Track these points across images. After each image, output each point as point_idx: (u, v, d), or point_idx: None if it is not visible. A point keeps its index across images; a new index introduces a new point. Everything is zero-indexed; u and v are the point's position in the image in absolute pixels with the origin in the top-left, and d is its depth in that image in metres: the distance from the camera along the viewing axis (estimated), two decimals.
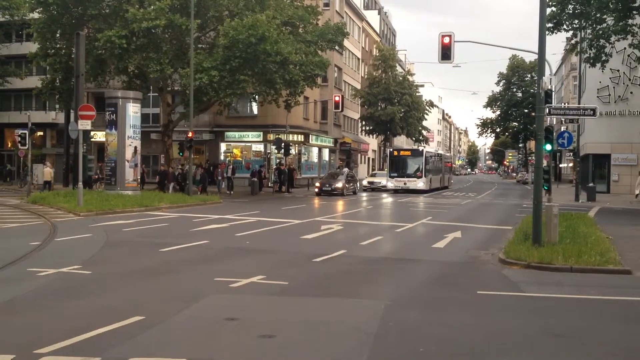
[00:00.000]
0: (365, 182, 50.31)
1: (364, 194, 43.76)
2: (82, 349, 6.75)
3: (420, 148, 50.94)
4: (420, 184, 44.66)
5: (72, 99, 32.57)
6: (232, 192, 38.01)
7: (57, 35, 36.42)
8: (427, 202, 35.46)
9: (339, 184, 39.80)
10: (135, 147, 29.87)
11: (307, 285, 11.03)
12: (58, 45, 36.54)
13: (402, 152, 48.27)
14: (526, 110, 78.68)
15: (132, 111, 29.81)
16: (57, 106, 45.37)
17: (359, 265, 13.13)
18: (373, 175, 54.37)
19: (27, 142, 34.23)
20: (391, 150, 49.73)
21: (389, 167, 46.62)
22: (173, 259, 13.30)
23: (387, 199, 38.23)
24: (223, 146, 50.31)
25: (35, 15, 37.49)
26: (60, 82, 37.08)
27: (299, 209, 27.61)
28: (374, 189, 48.35)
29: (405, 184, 44.57)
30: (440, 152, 63.85)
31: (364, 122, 70.84)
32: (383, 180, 48.38)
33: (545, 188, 16.45)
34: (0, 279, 10.79)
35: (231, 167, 41.62)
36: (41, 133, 53.02)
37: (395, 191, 44.70)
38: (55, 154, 52.02)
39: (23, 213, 23.32)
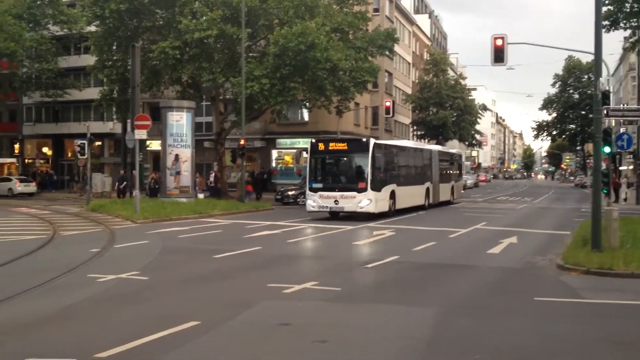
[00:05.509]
0: None
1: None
2: (140, 353, 6.91)
3: (365, 138, 27.23)
4: (364, 201, 24.66)
5: (128, 109, 33.43)
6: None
7: (114, 47, 37.43)
8: (479, 208, 34.88)
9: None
10: (177, 155, 30.08)
11: (359, 291, 11.00)
12: (114, 57, 37.55)
13: (331, 145, 26.39)
14: (583, 112, 76.68)
15: (172, 120, 30.14)
16: (115, 116, 46.59)
17: (411, 272, 13.03)
18: None
19: (86, 152, 35.22)
20: (314, 141, 26.73)
21: (309, 173, 26.28)
22: (227, 266, 13.47)
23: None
24: (275, 153, 50.72)
25: (93, 28, 38.62)
26: (117, 93, 38.09)
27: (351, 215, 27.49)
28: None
29: (337, 202, 24.88)
30: (426, 146, 40.82)
31: (415, 127, 70.33)
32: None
33: (605, 192, 15.98)
34: (61, 285, 11.14)
35: (212, 174, 38.52)
36: (99, 143, 54.46)
37: (329, 217, 25.65)
38: (113, 163, 53.39)
39: (83, 221, 24.01)
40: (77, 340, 7.60)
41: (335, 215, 25.72)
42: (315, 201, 25.34)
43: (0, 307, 9.30)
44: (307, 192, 25.98)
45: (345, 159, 26.46)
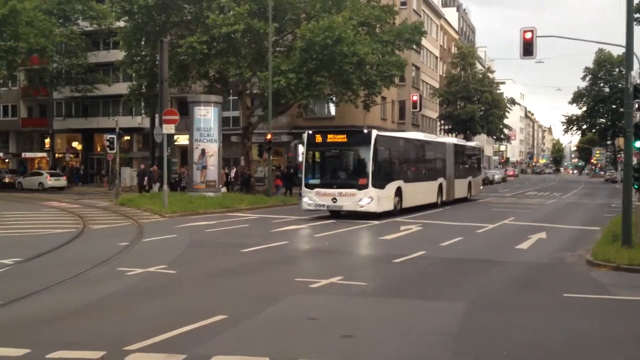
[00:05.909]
0: None
1: None
2: (169, 347, 6.97)
3: (367, 129, 24.16)
4: (364, 199, 22.36)
5: (156, 104, 33.74)
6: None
7: (142, 42, 37.78)
8: (507, 203, 34.54)
9: None
10: (203, 150, 30.20)
11: (386, 286, 10.98)
12: (143, 53, 37.90)
13: (330, 137, 23.88)
14: (614, 106, 75.36)
15: (199, 114, 30.27)
16: (143, 111, 47.09)
17: (438, 267, 12.96)
18: None
19: (115, 147, 35.65)
20: (310, 132, 24.56)
21: (305, 167, 24.18)
22: (254, 260, 13.53)
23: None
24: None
25: (121, 24, 39.05)
26: (146, 88, 38.47)
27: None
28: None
29: (335, 200, 22.56)
30: (439, 138, 36.35)
31: (442, 121, 69.88)
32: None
33: (636, 187, 15.73)
34: (91, 278, 11.29)
35: (234, 169, 38.90)
36: (128, 137, 55.06)
37: (325, 217, 23.45)
38: (142, 158, 53.96)
39: (112, 215, 24.31)
40: (107, 332, 7.71)
41: (337, 214, 23.24)
42: (311, 199, 22.94)
43: (31, 300, 9.47)
44: (303, 188, 23.63)
45: (344, 152, 24.06)
